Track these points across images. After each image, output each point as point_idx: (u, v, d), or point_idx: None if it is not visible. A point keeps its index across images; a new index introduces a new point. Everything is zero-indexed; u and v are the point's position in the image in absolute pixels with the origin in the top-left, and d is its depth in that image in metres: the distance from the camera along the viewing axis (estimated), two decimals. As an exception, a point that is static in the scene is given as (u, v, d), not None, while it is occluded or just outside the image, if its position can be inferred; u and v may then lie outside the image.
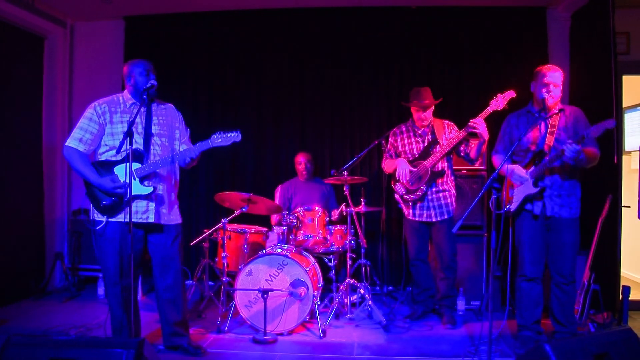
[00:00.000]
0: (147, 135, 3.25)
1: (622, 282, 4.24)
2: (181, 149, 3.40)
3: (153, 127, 3.30)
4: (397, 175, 4.20)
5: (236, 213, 4.28)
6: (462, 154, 4.15)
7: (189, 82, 5.70)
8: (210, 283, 5.02)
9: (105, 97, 3.31)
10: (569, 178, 3.46)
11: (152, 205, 3.23)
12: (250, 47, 5.66)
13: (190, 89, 5.68)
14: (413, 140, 4.27)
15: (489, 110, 3.86)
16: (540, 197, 3.44)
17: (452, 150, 4.09)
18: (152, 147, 3.26)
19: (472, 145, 4.06)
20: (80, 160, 3.16)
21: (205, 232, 4.45)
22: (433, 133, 4.21)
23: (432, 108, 4.23)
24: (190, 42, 5.71)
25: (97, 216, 3.20)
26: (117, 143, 3.14)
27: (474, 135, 3.92)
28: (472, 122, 3.81)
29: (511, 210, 3.52)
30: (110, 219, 3.17)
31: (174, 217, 3.41)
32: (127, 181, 2.93)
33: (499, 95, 3.86)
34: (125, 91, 3.36)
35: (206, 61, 5.70)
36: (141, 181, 3.20)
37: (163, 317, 3.42)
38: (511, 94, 3.84)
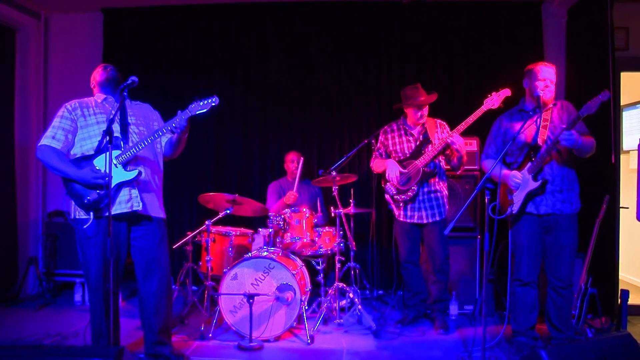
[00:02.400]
0: (124, 125, 3.25)
1: (621, 286, 4.27)
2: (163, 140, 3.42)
3: (129, 118, 3.30)
4: (387, 177, 4.21)
5: (221, 215, 4.26)
6: (445, 159, 4.19)
7: (171, 78, 5.66)
8: (194, 288, 5.00)
9: (76, 99, 3.31)
10: (569, 171, 3.50)
11: (135, 192, 3.19)
12: (236, 42, 5.64)
13: (172, 86, 5.64)
14: (404, 139, 4.28)
15: (483, 109, 3.88)
16: (543, 191, 3.46)
17: (442, 151, 4.12)
18: (130, 135, 3.25)
19: (453, 156, 4.09)
20: (56, 156, 3.11)
21: (189, 235, 4.42)
22: (425, 132, 4.22)
23: (427, 105, 4.23)
24: (173, 37, 5.67)
25: (78, 214, 3.16)
26: (94, 144, 3.14)
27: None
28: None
29: (514, 212, 3.53)
30: (97, 217, 3.13)
31: (158, 209, 3.36)
32: (108, 171, 2.90)
33: (493, 93, 3.88)
34: (96, 93, 3.37)
35: (190, 57, 5.67)
36: (124, 167, 3.17)
37: (146, 324, 3.38)
38: (506, 92, 3.86)
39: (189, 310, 4.54)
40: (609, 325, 4.06)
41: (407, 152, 4.23)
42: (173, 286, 4.78)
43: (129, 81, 3.08)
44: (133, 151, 3.15)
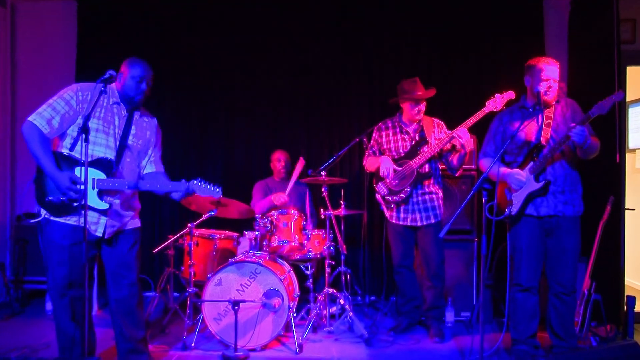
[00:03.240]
0: (122, 147, 3.18)
1: (626, 292, 4.28)
2: (147, 168, 3.38)
3: (129, 138, 3.22)
4: (380, 173, 4.17)
5: (204, 217, 4.23)
6: (443, 160, 4.17)
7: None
8: (175, 294, 4.96)
9: (89, 84, 3.12)
10: (572, 171, 3.48)
11: (103, 220, 3.13)
12: (220, 36, 5.59)
13: (152, 81, 5.51)
14: (399, 137, 4.25)
15: (484, 110, 3.87)
16: (545, 192, 3.44)
17: (439, 152, 4.11)
18: (122, 160, 3.19)
19: (454, 154, 4.08)
20: (40, 142, 2.98)
21: (170, 238, 4.39)
22: (422, 131, 4.20)
23: (425, 101, 4.20)
24: (154, 29, 5.59)
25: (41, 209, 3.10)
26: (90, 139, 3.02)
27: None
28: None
29: (513, 214, 3.50)
30: (54, 218, 3.05)
31: (132, 221, 3.32)
32: (84, 188, 2.82)
33: (496, 95, 3.86)
34: (114, 85, 3.24)
35: (171, 50, 5.60)
36: (100, 194, 3.09)
37: (118, 332, 3.32)
38: (510, 94, 3.85)
39: (170, 318, 4.49)
40: (615, 333, 4.05)
41: (401, 151, 4.21)
42: (154, 293, 4.80)
43: (107, 75, 2.99)
44: (116, 185, 3.10)
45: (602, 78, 4.32)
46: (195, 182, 3.18)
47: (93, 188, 3.05)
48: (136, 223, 3.35)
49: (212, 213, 4.17)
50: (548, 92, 3.44)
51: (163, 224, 5.58)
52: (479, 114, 3.87)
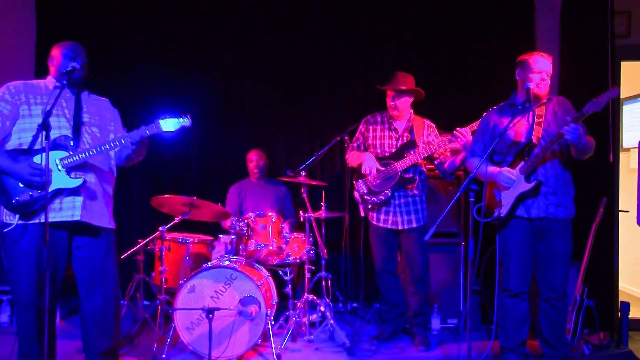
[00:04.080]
0: (77, 124, 3.09)
1: (620, 298, 4.30)
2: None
3: (83, 115, 3.14)
4: (362, 170, 4.14)
5: (176, 220, 4.18)
6: (435, 162, 4.16)
7: (119, 64, 5.52)
8: (146, 302, 4.89)
9: (20, 81, 3.09)
10: (564, 172, 3.48)
11: (78, 200, 3.02)
12: (194, 29, 5.54)
13: (121, 74, 5.51)
14: (387, 134, 4.22)
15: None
16: (536, 193, 3.42)
17: (428, 157, 4.10)
18: (82, 136, 3.10)
19: (448, 156, 4.06)
20: None
21: (140, 243, 4.34)
22: (411, 132, 4.18)
23: (410, 100, 4.19)
24: (122, 21, 5.52)
25: (7, 218, 2.97)
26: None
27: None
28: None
29: (502, 215, 3.48)
30: (24, 221, 2.94)
31: (105, 218, 3.20)
32: (47, 172, 2.72)
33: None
34: (49, 76, 3.17)
35: (140, 45, 5.55)
36: (68, 172, 3.00)
37: (88, 344, 3.20)
38: None
39: (139, 328, 4.43)
40: (608, 341, 4.06)
41: (387, 150, 4.18)
42: (121, 301, 4.67)
43: (69, 68, 2.94)
44: (82, 156, 3.00)
45: (596, 74, 4.35)
46: (160, 120, 3.08)
47: (59, 169, 2.97)
48: (111, 223, 3.25)
49: (185, 216, 4.13)
50: (540, 85, 3.43)
51: (132, 228, 5.53)
52: (473, 125, 3.87)
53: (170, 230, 4.26)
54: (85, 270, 3.14)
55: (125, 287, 4.85)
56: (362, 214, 4.29)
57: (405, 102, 4.16)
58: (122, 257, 4.29)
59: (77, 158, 2.99)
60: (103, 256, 3.16)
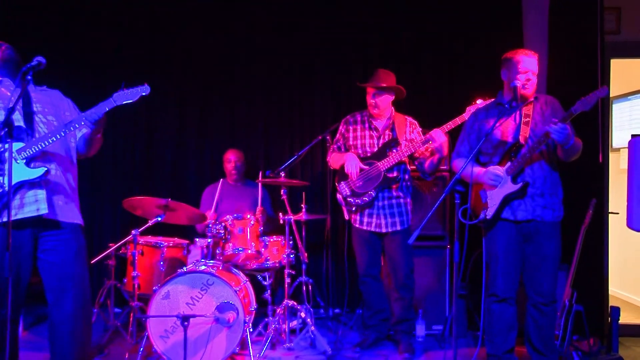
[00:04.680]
0: (28, 114, 3.02)
1: (611, 302, 4.34)
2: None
3: (34, 106, 3.07)
4: (345, 170, 4.13)
5: (150, 223, 4.15)
6: (415, 163, 4.17)
7: (87, 60, 5.44)
8: (117, 310, 4.84)
9: None
10: (552, 173, 3.49)
11: (41, 193, 2.95)
12: (169, 23, 5.50)
13: (89, 69, 5.44)
14: (367, 133, 4.22)
15: (464, 117, 3.86)
16: (523, 195, 3.43)
17: (410, 156, 4.11)
18: (36, 126, 3.03)
19: (427, 158, 4.08)
20: None
21: (111, 247, 4.29)
22: (393, 129, 4.17)
23: (390, 98, 4.18)
24: (90, 13, 5.46)
25: None
26: None
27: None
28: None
29: (488, 217, 3.49)
30: None
31: (72, 213, 3.13)
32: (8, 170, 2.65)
33: (479, 100, 3.87)
34: None
35: (111, 39, 5.48)
36: (27, 163, 2.93)
37: (58, 355, 3.12)
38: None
39: (110, 337, 4.37)
40: (598, 347, 4.08)
41: (368, 150, 4.18)
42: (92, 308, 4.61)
43: (34, 62, 2.86)
44: (41, 145, 2.92)
45: (585, 72, 4.37)
46: (117, 93, 2.98)
47: (17, 162, 2.89)
48: (78, 218, 3.17)
49: (159, 218, 4.09)
50: (526, 85, 3.43)
51: (103, 231, 5.47)
52: (457, 120, 3.87)
53: (144, 233, 4.23)
54: (54, 274, 3.06)
55: (96, 294, 4.77)
56: (347, 217, 4.28)
57: (386, 100, 4.16)
58: (92, 262, 4.24)
59: (35, 148, 2.92)
60: (73, 258, 3.08)
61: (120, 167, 5.52)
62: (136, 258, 4.13)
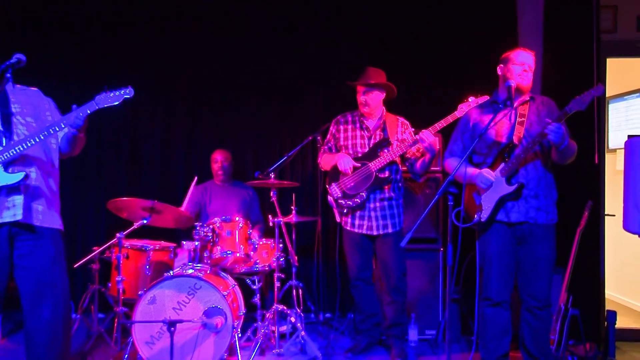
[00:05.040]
0: (6, 115, 2.97)
1: (607, 306, 4.35)
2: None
3: (12, 107, 3.03)
4: (340, 168, 4.12)
5: (135, 225, 4.15)
6: (406, 164, 4.17)
7: (72, 62, 5.42)
8: (101, 315, 4.80)
9: None
10: (546, 174, 3.49)
11: (19, 198, 2.91)
12: (157, 20, 5.49)
13: (77, 67, 5.41)
14: (358, 133, 4.22)
15: (456, 115, 3.85)
16: (518, 196, 3.43)
17: (401, 156, 4.12)
18: (15, 128, 2.98)
19: (418, 159, 4.09)
20: None
21: (95, 250, 4.28)
22: (384, 129, 4.17)
23: (381, 96, 4.19)
24: (74, 10, 5.42)
25: None
26: None
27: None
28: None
29: (483, 220, 3.49)
30: None
31: (52, 218, 3.09)
32: None
33: (470, 98, 3.85)
34: None
35: (97, 36, 5.46)
36: (5, 168, 2.89)
37: None
38: (485, 99, 3.83)
39: (93, 343, 4.34)
40: (595, 352, 4.09)
41: (359, 150, 4.18)
42: (73, 315, 4.60)
43: (14, 59, 2.84)
44: (19, 149, 2.88)
45: (580, 71, 4.39)
46: (99, 96, 2.95)
47: None
48: (58, 223, 3.13)
49: (145, 221, 4.09)
50: (522, 76, 3.44)
51: (86, 234, 5.45)
52: (449, 118, 3.85)
53: (129, 236, 4.22)
54: (30, 281, 3.00)
55: (78, 299, 4.77)
56: (338, 219, 4.28)
57: (376, 98, 4.16)
58: (75, 265, 4.27)
59: (14, 151, 2.88)
60: (50, 264, 3.03)
61: (105, 167, 5.50)
62: (121, 262, 4.11)
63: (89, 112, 2.91)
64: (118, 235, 4.07)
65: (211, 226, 4.31)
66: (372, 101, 4.13)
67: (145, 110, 5.49)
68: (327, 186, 4.28)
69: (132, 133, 5.54)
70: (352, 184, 4.11)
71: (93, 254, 4.28)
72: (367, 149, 4.15)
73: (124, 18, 5.47)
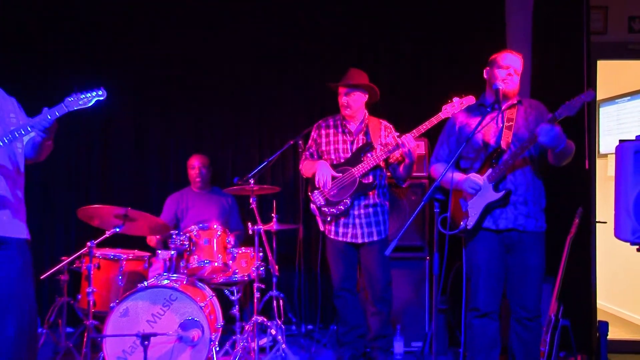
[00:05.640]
0: None
1: (599, 317, 4.38)
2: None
3: None
4: (316, 182, 4.12)
5: (107, 234, 4.09)
6: (390, 168, 4.19)
7: (38, 62, 5.39)
8: (69, 330, 4.79)
9: None
10: (535, 180, 3.50)
11: None
12: (127, 18, 5.47)
13: (38, 69, 5.38)
14: (340, 138, 4.23)
15: (440, 116, 3.86)
16: (505, 203, 3.43)
17: (385, 160, 4.13)
18: None
19: (401, 163, 4.11)
20: None
21: (64, 260, 4.19)
22: (367, 133, 4.18)
23: (363, 98, 4.20)
24: (43, 5, 5.41)
25: None
26: None
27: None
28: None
29: (469, 227, 3.48)
30: None
31: (18, 227, 3.03)
32: None
33: (455, 99, 3.87)
34: None
35: (66, 35, 5.43)
36: None
37: None
38: (470, 99, 3.86)
39: (61, 359, 4.31)
40: (586, 364, 4.14)
41: (342, 155, 4.19)
42: (39, 329, 4.49)
43: None
44: None
45: (570, 74, 4.43)
46: (70, 98, 2.90)
47: None
48: (24, 232, 3.07)
49: (118, 229, 4.05)
50: (506, 80, 3.45)
51: (55, 243, 5.39)
52: (433, 120, 3.87)
53: (100, 245, 4.13)
54: None
55: (45, 313, 4.69)
56: (322, 228, 4.28)
57: (359, 100, 4.16)
58: (42, 277, 4.16)
59: None
60: (17, 275, 2.97)
61: (75, 172, 5.46)
62: (92, 272, 4.04)
63: (58, 115, 2.84)
64: (89, 244, 4.00)
65: (188, 234, 4.29)
66: (354, 103, 4.13)
67: (117, 112, 5.45)
68: (309, 194, 4.27)
69: (103, 139, 5.51)
70: (335, 191, 4.10)
71: (62, 264, 4.19)
72: (349, 154, 4.16)
73: (94, 17, 5.45)
